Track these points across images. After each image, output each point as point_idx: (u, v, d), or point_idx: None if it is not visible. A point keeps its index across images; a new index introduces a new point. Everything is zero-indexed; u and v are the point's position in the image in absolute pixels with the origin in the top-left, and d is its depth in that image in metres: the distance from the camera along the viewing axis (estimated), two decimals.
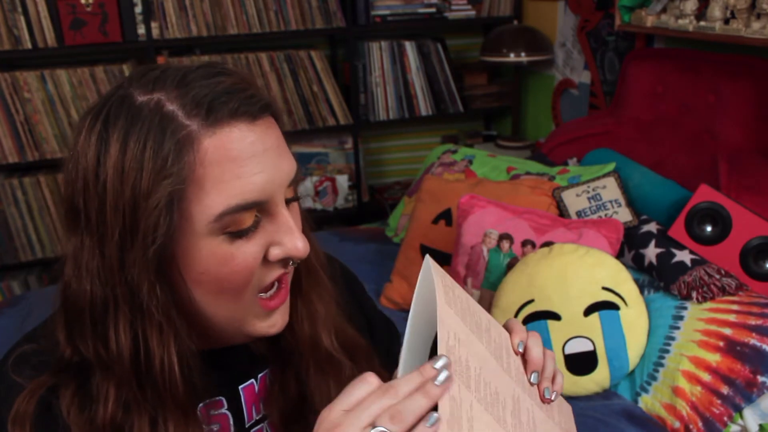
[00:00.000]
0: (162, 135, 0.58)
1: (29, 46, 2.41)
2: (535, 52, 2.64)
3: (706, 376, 1.36)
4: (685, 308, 1.49)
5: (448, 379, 0.51)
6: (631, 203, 1.79)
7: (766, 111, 1.74)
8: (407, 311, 1.85)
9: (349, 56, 2.82)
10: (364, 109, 2.87)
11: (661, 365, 1.44)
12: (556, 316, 1.47)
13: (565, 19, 2.62)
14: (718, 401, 1.33)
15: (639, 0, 2.06)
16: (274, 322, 0.68)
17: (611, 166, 1.92)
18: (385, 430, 0.50)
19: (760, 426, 1.32)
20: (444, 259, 1.81)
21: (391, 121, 2.93)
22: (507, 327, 0.67)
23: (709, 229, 1.60)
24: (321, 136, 2.93)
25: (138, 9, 2.50)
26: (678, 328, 1.47)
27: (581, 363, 1.47)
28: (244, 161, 0.60)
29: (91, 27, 2.44)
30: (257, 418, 0.75)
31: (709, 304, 1.47)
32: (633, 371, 1.50)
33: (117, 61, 2.62)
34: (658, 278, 1.58)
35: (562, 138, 2.33)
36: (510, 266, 1.64)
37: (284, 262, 0.66)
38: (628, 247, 1.68)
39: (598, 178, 1.83)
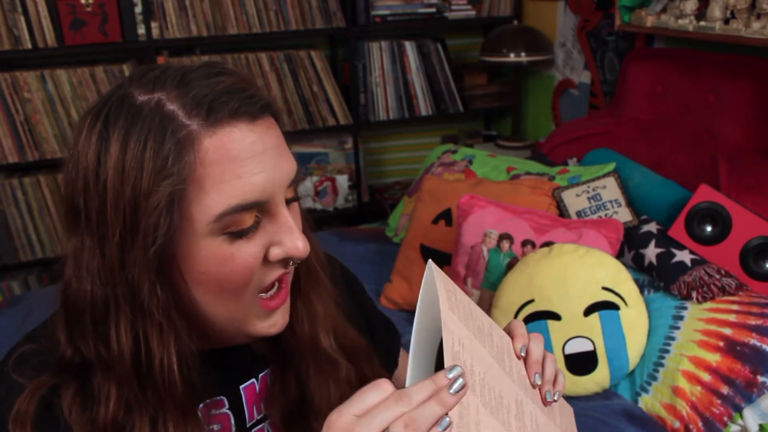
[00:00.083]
0: (162, 135, 0.58)
1: (29, 46, 2.41)
2: (535, 52, 2.64)
3: (706, 376, 1.36)
4: (685, 308, 1.49)
5: (464, 387, 0.52)
6: (631, 203, 1.79)
7: (766, 111, 1.74)
8: (407, 311, 1.85)
9: (349, 56, 2.82)
10: (364, 109, 2.87)
11: (661, 365, 1.44)
12: (556, 316, 1.47)
13: (565, 19, 2.62)
14: (718, 401, 1.33)
15: (639, 0, 2.06)
16: (274, 322, 0.68)
17: (611, 166, 1.92)
18: None
19: (760, 426, 1.32)
20: (444, 259, 1.81)
21: (391, 121, 2.93)
22: (509, 330, 0.67)
23: (709, 229, 1.60)
24: (321, 136, 2.93)
25: (138, 9, 2.50)
26: (678, 328, 1.47)
27: (581, 363, 1.47)
28: (244, 161, 0.60)
29: (91, 27, 2.44)
30: (258, 417, 0.75)
31: (709, 304, 1.47)
32: (633, 371, 1.50)
33: (117, 61, 2.62)
34: (658, 278, 1.58)
35: (562, 138, 2.33)
36: (510, 266, 1.64)
37: (284, 262, 0.66)
38: (628, 247, 1.68)
39: (598, 178, 1.83)
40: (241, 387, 0.74)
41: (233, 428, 0.73)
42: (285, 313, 0.70)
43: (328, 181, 2.94)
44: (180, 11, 2.56)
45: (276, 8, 2.66)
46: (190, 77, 0.61)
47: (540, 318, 1.48)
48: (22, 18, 2.39)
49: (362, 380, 0.77)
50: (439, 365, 0.61)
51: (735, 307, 1.43)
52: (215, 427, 0.71)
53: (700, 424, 1.34)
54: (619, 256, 1.67)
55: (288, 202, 0.65)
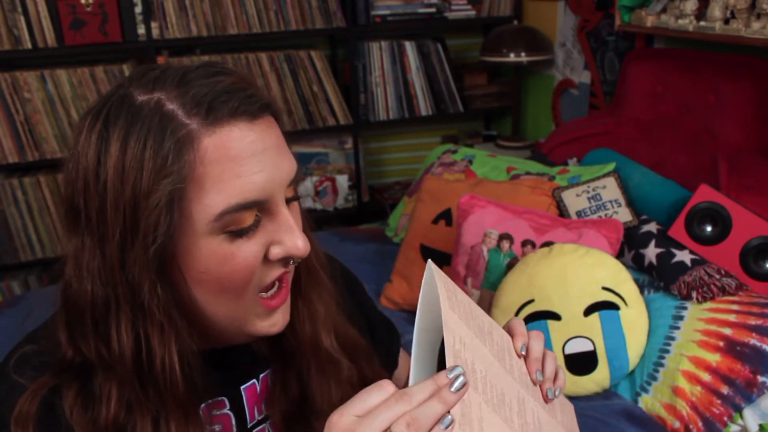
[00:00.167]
0: (162, 134, 0.58)
1: (29, 46, 2.41)
2: (535, 52, 2.64)
3: (706, 376, 1.36)
4: (685, 308, 1.49)
5: (465, 386, 0.52)
6: (631, 203, 1.79)
7: (766, 111, 1.74)
8: (407, 311, 1.85)
9: (349, 56, 2.82)
10: (364, 109, 2.87)
11: (661, 365, 1.44)
12: (556, 316, 1.47)
13: (565, 19, 2.62)
14: (718, 401, 1.33)
15: (639, 0, 2.06)
16: (275, 322, 0.68)
17: (611, 166, 1.92)
18: None
19: (760, 426, 1.32)
20: (444, 259, 1.81)
21: (391, 121, 2.93)
22: (509, 328, 0.67)
23: (709, 229, 1.60)
24: (321, 136, 2.93)
25: (138, 9, 2.50)
26: (678, 328, 1.47)
27: (581, 363, 1.47)
28: (243, 160, 0.60)
29: (91, 27, 2.44)
30: (259, 418, 0.75)
31: (709, 304, 1.47)
32: (633, 371, 1.50)
33: (117, 61, 2.62)
34: (658, 278, 1.58)
35: (562, 138, 2.33)
36: (510, 266, 1.64)
37: (285, 261, 0.66)
38: (628, 247, 1.68)
39: (598, 178, 1.83)
40: (242, 388, 0.74)
41: (234, 429, 0.73)
42: (285, 312, 0.70)
43: (328, 181, 2.94)
44: (180, 11, 2.56)
45: (276, 8, 2.66)
46: (189, 77, 0.61)
47: (540, 318, 1.48)
48: (22, 18, 2.39)
49: (363, 380, 0.77)
50: (441, 364, 0.61)
51: (735, 307, 1.43)
52: (216, 427, 0.71)
53: (700, 424, 1.34)
54: (619, 256, 1.67)
55: (288, 201, 0.65)
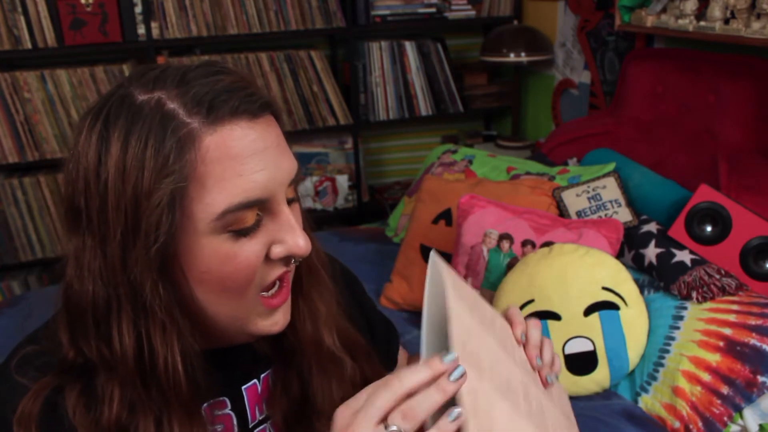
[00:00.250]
0: (163, 133, 0.58)
1: (29, 46, 2.41)
2: (535, 52, 2.64)
3: (706, 376, 1.36)
4: (685, 308, 1.49)
5: (463, 375, 0.52)
6: (631, 203, 1.79)
7: (766, 111, 1.74)
8: (407, 311, 1.86)
9: (349, 56, 2.82)
10: (364, 109, 2.87)
11: (661, 365, 1.44)
12: (556, 316, 1.47)
13: (565, 19, 2.62)
14: (718, 401, 1.33)
15: (639, 0, 2.06)
16: (276, 321, 0.69)
17: (611, 166, 1.92)
18: (397, 428, 0.50)
19: (760, 426, 1.32)
20: (444, 259, 1.81)
21: (391, 121, 2.93)
22: (507, 316, 0.70)
23: (709, 229, 1.60)
24: (321, 136, 2.93)
25: (138, 9, 2.50)
26: (678, 328, 1.47)
27: (581, 363, 1.47)
28: (245, 159, 0.60)
29: (91, 27, 2.44)
30: (260, 418, 0.75)
31: (709, 304, 1.47)
32: (633, 371, 1.50)
33: (117, 61, 2.62)
34: (658, 278, 1.58)
35: (562, 138, 2.33)
36: (510, 266, 1.64)
37: (286, 260, 0.66)
38: (628, 247, 1.68)
39: (598, 178, 1.83)
40: (243, 388, 0.74)
41: (236, 429, 0.73)
42: (286, 311, 0.70)
43: (328, 181, 2.94)
44: (180, 11, 2.56)
45: (276, 8, 2.66)
46: (189, 76, 0.61)
47: (540, 318, 1.48)
48: (22, 18, 2.39)
49: (363, 379, 0.77)
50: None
51: (735, 307, 1.43)
52: (218, 427, 0.71)
53: (700, 424, 1.34)
54: (619, 256, 1.67)
55: (288, 202, 0.66)
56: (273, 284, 0.67)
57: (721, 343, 1.38)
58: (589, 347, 1.46)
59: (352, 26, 2.76)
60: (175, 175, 0.58)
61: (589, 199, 1.81)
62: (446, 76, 2.94)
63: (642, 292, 1.55)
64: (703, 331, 1.42)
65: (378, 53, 2.86)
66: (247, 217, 0.61)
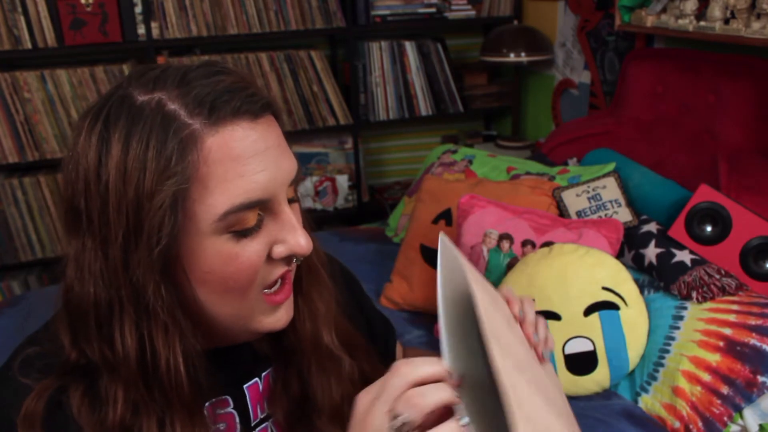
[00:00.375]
0: (165, 134, 0.58)
1: (29, 46, 2.41)
2: (535, 52, 2.64)
3: (706, 376, 1.36)
4: (685, 308, 1.49)
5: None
6: (631, 203, 1.79)
7: (766, 111, 1.74)
8: (407, 311, 1.86)
9: (349, 56, 2.82)
10: (364, 109, 2.87)
11: (661, 365, 1.44)
12: (556, 316, 1.47)
13: (565, 19, 2.62)
14: (718, 401, 1.33)
15: (639, 0, 2.06)
16: (279, 317, 0.69)
17: (611, 166, 1.92)
18: (402, 415, 0.51)
19: (760, 426, 1.32)
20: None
21: (391, 121, 2.93)
22: (501, 295, 0.71)
23: (709, 229, 1.60)
24: (321, 136, 2.93)
25: (138, 9, 2.50)
26: (678, 328, 1.47)
27: (581, 363, 1.47)
28: (246, 160, 0.60)
29: (91, 27, 2.44)
30: (262, 416, 0.76)
31: (709, 304, 1.47)
32: (633, 371, 1.50)
33: (117, 61, 2.62)
34: (658, 278, 1.58)
35: (562, 138, 2.33)
36: (510, 266, 1.64)
37: (288, 259, 0.66)
38: (628, 247, 1.68)
39: (598, 178, 1.83)
40: (245, 386, 0.74)
41: (238, 427, 0.73)
42: (289, 307, 0.70)
43: (328, 181, 2.94)
44: (180, 11, 2.56)
45: (276, 8, 2.66)
46: (190, 76, 0.61)
47: None
48: (22, 18, 2.39)
49: (363, 376, 0.78)
50: (469, 330, 0.62)
51: (735, 307, 1.43)
52: (221, 426, 0.72)
53: (700, 424, 1.34)
54: (619, 256, 1.67)
55: (289, 202, 0.66)
56: (275, 283, 0.67)
57: (721, 343, 1.38)
58: (589, 347, 1.46)
59: (352, 26, 2.76)
60: (178, 176, 0.58)
61: (589, 199, 1.81)
62: (446, 76, 2.94)
63: (642, 292, 1.55)
64: (703, 331, 1.42)
65: (378, 53, 2.86)
66: (248, 218, 0.61)
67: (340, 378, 0.76)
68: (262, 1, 2.64)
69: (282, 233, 0.64)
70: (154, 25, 2.53)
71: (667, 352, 1.45)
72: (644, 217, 1.75)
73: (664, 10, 1.98)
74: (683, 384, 1.38)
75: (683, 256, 1.56)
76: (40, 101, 2.48)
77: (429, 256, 1.86)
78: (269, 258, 0.64)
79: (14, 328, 1.73)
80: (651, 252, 1.62)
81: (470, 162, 2.21)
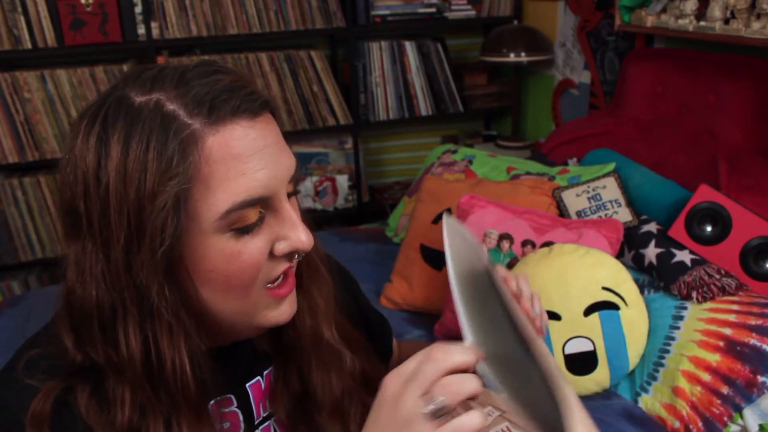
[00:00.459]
0: (165, 135, 0.58)
1: (29, 46, 2.41)
2: (535, 52, 2.64)
3: (706, 376, 1.36)
4: (685, 308, 1.49)
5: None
6: (631, 203, 1.79)
7: (766, 111, 1.74)
8: (407, 311, 1.86)
9: (349, 56, 2.82)
10: (364, 109, 2.87)
11: (661, 365, 1.44)
12: (556, 316, 1.47)
13: (565, 19, 2.62)
14: (718, 401, 1.33)
15: (639, 0, 2.06)
16: (283, 311, 0.69)
17: (611, 166, 1.92)
18: (440, 401, 0.52)
19: (760, 426, 1.32)
20: (444, 259, 1.81)
21: (391, 121, 2.93)
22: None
23: (709, 229, 1.60)
24: (321, 136, 2.93)
25: (138, 9, 2.50)
26: (678, 328, 1.47)
27: (581, 363, 1.47)
28: (247, 158, 0.60)
29: (91, 27, 2.44)
30: (265, 415, 0.76)
31: (709, 304, 1.47)
32: (633, 371, 1.50)
33: (117, 61, 2.62)
34: (658, 278, 1.58)
35: (562, 138, 2.33)
36: (510, 266, 1.64)
37: (290, 256, 0.67)
38: (628, 247, 1.68)
39: (598, 178, 1.83)
40: (247, 385, 0.75)
41: (242, 426, 0.73)
42: (293, 301, 0.71)
43: (328, 181, 2.94)
44: (180, 11, 2.56)
45: (276, 8, 2.66)
46: (188, 76, 0.61)
47: None
48: (22, 18, 2.39)
49: (362, 372, 0.78)
50: (480, 304, 0.62)
51: (735, 307, 1.43)
52: (225, 425, 0.72)
53: (700, 424, 1.34)
54: (619, 256, 1.67)
55: (288, 196, 0.66)
56: (278, 278, 0.67)
57: (721, 343, 1.38)
58: (589, 347, 1.46)
59: (352, 26, 2.76)
60: (180, 177, 0.58)
61: (589, 199, 1.81)
62: (446, 76, 2.94)
63: (642, 292, 1.55)
64: (703, 331, 1.42)
65: (378, 53, 2.86)
66: (249, 215, 0.62)
67: (341, 372, 0.76)
68: (262, 1, 2.64)
69: (283, 230, 0.65)
70: (154, 25, 2.53)
71: (667, 352, 1.45)
72: (644, 217, 1.75)
73: (664, 10, 1.98)
74: (683, 384, 1.38)
75: (683, 256, 1.56)
76: (40, 101, 2.48)
77: (429, 256, 1.86)
78: (271, 255, 0.65)
79: (14, 328, 1.73)
80: (651, 252, 1.62)
81: (470, 162, 2.21)
